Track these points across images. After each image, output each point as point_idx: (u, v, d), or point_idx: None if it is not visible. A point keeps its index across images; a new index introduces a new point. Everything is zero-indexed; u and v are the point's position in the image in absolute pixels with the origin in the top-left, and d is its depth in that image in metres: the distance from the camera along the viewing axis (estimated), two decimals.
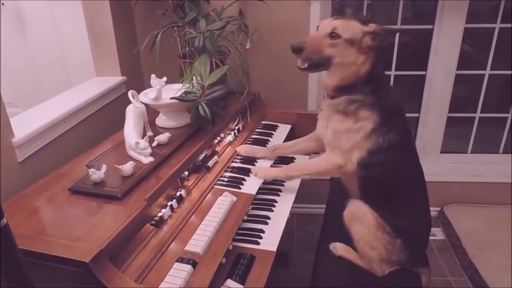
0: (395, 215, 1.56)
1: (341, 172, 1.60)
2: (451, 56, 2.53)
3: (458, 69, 2.57)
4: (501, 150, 2.81)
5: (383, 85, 1.58)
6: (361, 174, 1.58)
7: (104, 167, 1.37)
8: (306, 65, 1.53)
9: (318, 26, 1.55)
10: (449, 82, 2.60)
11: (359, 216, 1.58)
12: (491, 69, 2.61)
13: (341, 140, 1.56)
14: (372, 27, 1.47)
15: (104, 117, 2.05)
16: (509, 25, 2.49)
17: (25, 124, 1.58)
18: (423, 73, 2.64)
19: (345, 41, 1.46)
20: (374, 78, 1.52)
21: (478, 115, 2.74)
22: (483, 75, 2.63)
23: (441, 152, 2.82)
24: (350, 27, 1.47)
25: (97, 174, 1.34)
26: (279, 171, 1.72)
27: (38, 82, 3.28)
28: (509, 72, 2.64)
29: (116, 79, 2.18)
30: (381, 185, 1.59)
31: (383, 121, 1.52)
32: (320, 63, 1.52)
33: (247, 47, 2.00)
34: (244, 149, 1.85)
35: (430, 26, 2.53)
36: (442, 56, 2.55)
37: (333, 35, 1.47)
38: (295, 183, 1.80)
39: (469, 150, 2.84)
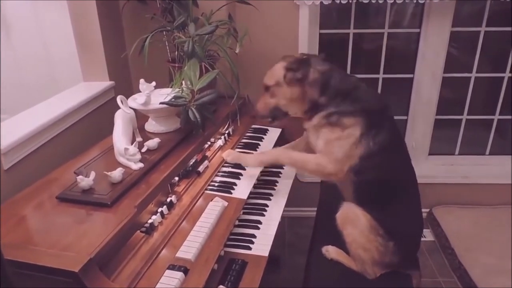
0: (389, 218, 1.57)
1: (329, 178, 1.63)
2: (438, 59, 2.56)
3: (445, 72, 2.60)
4: (487, 152, 2.86)
5: (353, 92, 1.58)
6: (355, 180, 1.58)
7: (92, 174, 1.35)
8: (270, 120, 1.74)
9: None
10: (436, 85, 2.63)
11: (352, 218, 1.59)
12: (477, 72, 2.65)
13: (334, 147, 1.57)
14: (288, 60, 1.60)
15: (92, 123, 2.02)
16: (494, 29, 2.54)
17: (11, 131, 1.55)
18: (411, 76, 2.67)
19: (274, 87, 1.64)
20: (337, 90, 1.57)
21: (465, 117, 2.78)
22: (469, 77, 2.66)
23: (429, 154, 2.86)
24: (273, 73, 1.65)
25: (85, 181, 1.32)
26: (268, 155, 1.72)
27: (24, 87, 3.23)
28: (494, 74, 2.68)
29: (104, 84, 2.15)
30: (376, 189, 1.60)
31: (370, 124, 1.54)
32: (276, 114, 1.71)
33: (237, 51, 2.00)
34: (231, 157, 1.78)
35: (417, 30, 2.56)
36: (429, 59, 2.58)
37: (266, 88, 1.68)
38: (286, 186, 1.80)
39: (457, 151, 2.88)
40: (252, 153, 1.90)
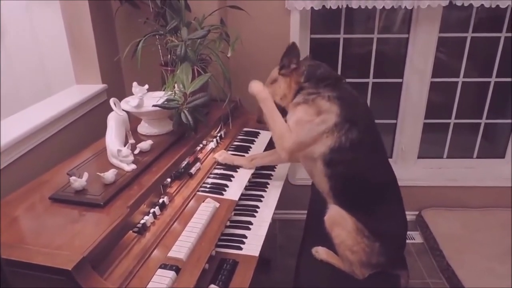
0: (371, 219, 1.59)
1: (282, 155, 1.70)
2: (426, 64, 2.62)
3: (433, 76, 2.66)
4: (475, 155, 2.91)
5: (335, 82, 1.67)
6: (327, 173, 1.62)
7: (85, 175, 1.37)
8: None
9: None
10: (425, 89, 2.68)
11: (339, 220, 1.62)
12: (464, 77, 2.70)
13: (302, 129, 1.62)
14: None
15: (85, 125, 2.03)
16: (480, 34, 2.60)
17: (4, 132, 1.56)
18: (400, 80, 2.72)
19: (271, 85, 1.79)
20: (320, 79, 1.67)
21: (453, 121, 2.83)
22: (457, 82, 2.72)
23: (418, 157, 2.90)
24: (270, 75, 1.83)
25: (78, 182, 1.33)
26: (258, 95, 1.79)
27: (17, 89, 3.22)
28: (481, 79, 2.74)
29: (96, 86, 2.16)
30: (350, 187, 1.63)
31: (344, 114, 1.57)
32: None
33: (229, 55, 2.02)
34: (223, 156, 1.85)
35: (406, 35, 2.61)
36: (417, 64, 2.63)
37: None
38: (277, 188, 1.83)
39: (445, 155, 2.93)
40: (244, 155, 1.93)
